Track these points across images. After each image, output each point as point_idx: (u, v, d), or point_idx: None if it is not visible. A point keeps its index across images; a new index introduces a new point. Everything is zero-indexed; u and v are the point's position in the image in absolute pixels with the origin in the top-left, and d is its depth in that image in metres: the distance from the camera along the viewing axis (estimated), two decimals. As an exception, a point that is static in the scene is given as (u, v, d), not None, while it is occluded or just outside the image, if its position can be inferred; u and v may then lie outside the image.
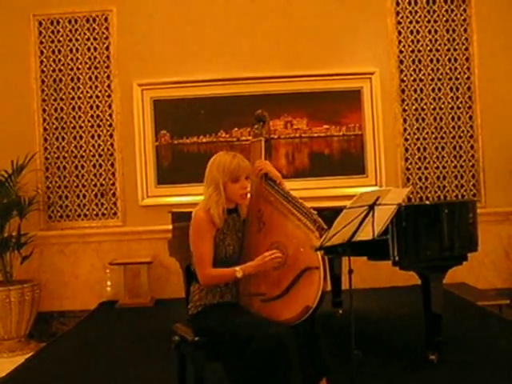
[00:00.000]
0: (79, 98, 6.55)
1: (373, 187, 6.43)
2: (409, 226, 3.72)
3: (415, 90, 6.55)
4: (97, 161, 6.55)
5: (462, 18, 6.54)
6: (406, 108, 6.55)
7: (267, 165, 3.30)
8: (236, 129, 6.48)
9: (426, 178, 6.56)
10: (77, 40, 6.55)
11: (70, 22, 6.54)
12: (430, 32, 6.55)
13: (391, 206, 2.99)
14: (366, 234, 2.98)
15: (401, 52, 6.56)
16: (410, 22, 6.55)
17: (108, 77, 6.55)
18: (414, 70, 6.56)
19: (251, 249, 3.19)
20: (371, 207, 2.82)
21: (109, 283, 6.53)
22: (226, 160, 3.19)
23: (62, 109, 6.55)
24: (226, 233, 3.20)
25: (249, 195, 3.33)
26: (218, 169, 3.18)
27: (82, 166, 6.55)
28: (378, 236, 3.02)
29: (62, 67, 6.55)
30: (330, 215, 3.01)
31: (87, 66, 6.55)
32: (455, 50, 6.55)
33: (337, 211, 2.84)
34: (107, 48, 6.55)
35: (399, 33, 6.56)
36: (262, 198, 3.25)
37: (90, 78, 6.55)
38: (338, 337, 3.71)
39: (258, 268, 3.06)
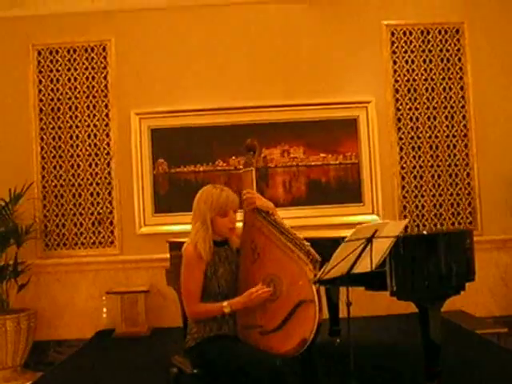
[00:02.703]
0: (77, 126, 6.58)
1: (369, 215, 6.46)
2: (406, 257, 3.71)
3: (411, 119, 6.61)
4: (94, 189, 6.56)
5: (456, 47, 6.62)
6: (402, 136, 6.60)
7: (257, 199, 3.28)
8: (233, 157, 6.50)
9: (423, 206, 6.59)
10: (75, 69, 6.60)
11: (68, 51, 6.59)
12: (424, 61, 6.62)
13: (389, 239, 3.01)
14: (364, 267, 3.00)
15: (396, 81, 6.62)
16: (405, 52, 6.63)
17: (106, 106, 6.59)
18: (410, 99, 6.62)
19: (246, 280, 3.20)
20: (369, 240, 2.84)
21: (105, 310, 6.49)
22: (213, 194, 3.19)
23: (59, 137, 6.58)
24: (218, 264, 3.20)
25: (241, 224, 3.33)
26: (206, 203, 3.18)
27: (80, 195, 6.56)
28: (375, 268, 3.03)
29: (61, 96, 6.59)
30: (328, 244, 3.02)
31: (85, 95, 6.59)
32: (450, 79, 6.62)
33: (335, 241, 2.86)
34: (105, 77, 6.60)
35: (394, 62, 6.63)
36: (255, 228, 3.25)
37: (88, 107, 6.59)
38: (336, 366, 3.71)
39: (246, 304, 3.08)
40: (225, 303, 3.08)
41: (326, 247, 3.16)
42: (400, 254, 3.67)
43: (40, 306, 6.39)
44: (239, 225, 3.33)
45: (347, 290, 3.03)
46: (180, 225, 6.19)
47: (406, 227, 6.40)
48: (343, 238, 2.98)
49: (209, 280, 3.17)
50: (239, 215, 3.29)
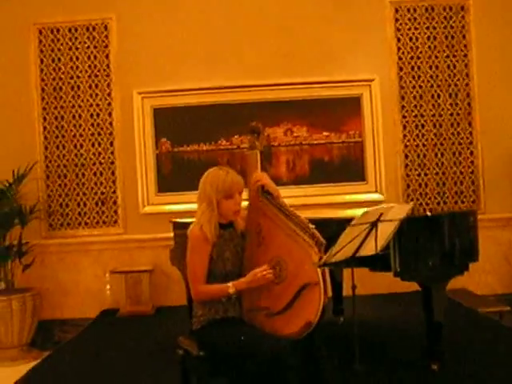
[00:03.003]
0: (79, 106, 6.55)
1: (373, 194, 6.48)
2: (410, 238, 3.72)
3: (415, 97, 6.57)
4: (97, 169, 6.56)
5: (461, 24, 6.56)
6: (406, 114, 6.57)
7: (265, 178, 3.32)
8: (236, 136, 6.48)
9: (426, 185, 6.58)
10: (77, 48, 6.55)
11: (69, 30, 6.54)
12: (428, 38, 6.57)
13: (394, 222, 3.01)
14: (369, 250, 3.01)
15: (400, 59, 6.58)
16: (409, 29, 6.57)
17: (108, 85, 6.55)
18: (414, 77, 6.58)
19: (251, 263, 3.21)
20: (374, 223, 2.85)
21: (108, 287, 6.53)
22: (219, 177, 3.20)
23: (62, 117, 6.56)
24: (223, 247, 3.22)
25: (246, 203, 3.34)
26: (212, 186, 3.19)
27: (83, 175, 6.56)
28: (380, 251, 3.04)
29: (62, 75, 6.56)
30: (333, 226, 3.02)
31: (87, 74, 6.56)
32: (454, 56, 6.58)
33: (339, 222, 2.86)
34: (107, 56, 6.56)
35: (398, 39, 6.58)
36: (260, 211, 3.27)
37: (90, 87, 6.56)
38: (339, 345, 3.74)
39: (251, 284, 3.09)
40: (229, 284, 3.10)
41: (330, 228, 3.18)
42: (404, 235, 3.68)
43: (45, 285, 6.43)
44: (244, 203, 3.34)
45: (352, 274, 3.04)
46: (183, 204, 6.23)
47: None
48: (347, 219, 2.99)
49: (214, 262, 3.18)
50: (244, 194, 3.30)
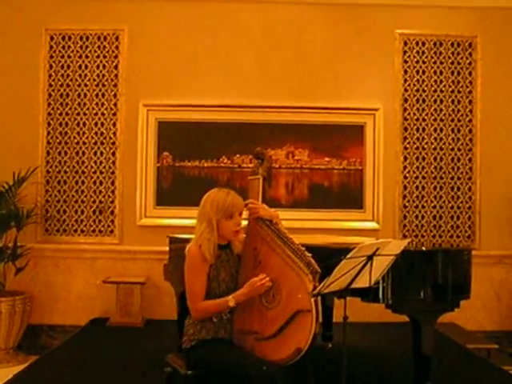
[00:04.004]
0: (85, 114, 6.58)
1: (369, 222, 6.51)
2: (403, 271, 3.74)
3: (417, 129, 6.63)
4: (97, 178, 6.58)
5: (468, 61, 6.63)
6: (408, 146, 6.62)
7: (261, 209, 3.31)
8: (238, 155, 6.52)
9: (423, 217, 6.62)
10: (87, 57, 6.59)
11: (81, 38, 6.59)
12: (435, 73, 6.64)
13: (389, 257, 3.04)
14: (363, 282, 3.03)
15: (405, 90, 6.64)
16: (417, 62, 6.64)
17: (115, 95, 6.59)
18: (418, 109, 6.64)
19: None
20: (370, 257, 2.88)
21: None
22: (219, 197, 3.24)
23: (66, 124, 6.58)
24: (220, 268, 3.25)
25: (243, 235, 3.37)
26: (212, 206, 3.22)
27: (83, 182, 6.57)
28: (374, 284, 3.07)
29: (70, 82, 6.60)
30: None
31: (95, 83, 6.60)
32: (459, 92, 6.64)
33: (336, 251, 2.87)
34: (116, 67, 6.60)
35: (405, 71, 6.64)
36: (258, 236, 3.29)
37: (97, 95, 6.60)
38: (326, 372, 3.75)
39: (250, 294, 3.12)
40: (229, 297, 3.13)
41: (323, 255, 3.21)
42: (398, 268, 3.69)
43: (36, 289, 6.43)
44: (245, 223, 3.37)
45: (344, 305, 3.06)
46: (181, 219, 6.25)
47: (405, 236, 6.48)
48: (344, 248, 3.02)
49: (210, 282, 3.21)
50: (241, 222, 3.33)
